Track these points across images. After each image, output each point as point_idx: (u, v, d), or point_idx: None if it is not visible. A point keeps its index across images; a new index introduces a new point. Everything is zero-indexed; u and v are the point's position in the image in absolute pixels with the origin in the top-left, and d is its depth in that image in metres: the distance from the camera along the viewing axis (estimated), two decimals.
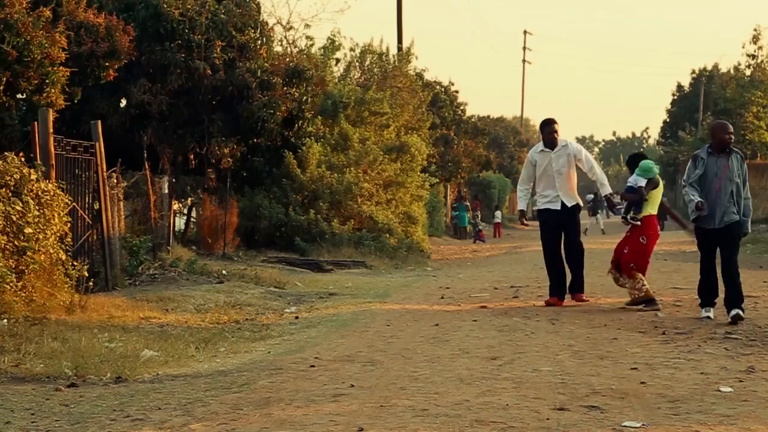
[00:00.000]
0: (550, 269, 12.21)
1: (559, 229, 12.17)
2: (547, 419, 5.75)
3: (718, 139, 10.16)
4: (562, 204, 12.05)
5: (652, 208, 11.52)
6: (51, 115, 12.38)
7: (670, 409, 6.07)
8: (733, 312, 9.91)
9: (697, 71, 60.49)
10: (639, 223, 11.41)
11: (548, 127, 12.19)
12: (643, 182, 11.42)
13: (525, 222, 12.95)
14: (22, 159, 10.85)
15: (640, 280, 11.31)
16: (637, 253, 11.39)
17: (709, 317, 10.19)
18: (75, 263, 11.27)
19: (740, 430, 5.51)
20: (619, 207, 12.37)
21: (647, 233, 11.44)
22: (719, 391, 6.61)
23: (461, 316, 11.16)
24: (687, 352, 8.27)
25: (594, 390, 6.62)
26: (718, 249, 10.23)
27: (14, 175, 10.40)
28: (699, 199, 9.99)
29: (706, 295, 10.37)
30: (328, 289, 15.53)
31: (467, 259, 26.68)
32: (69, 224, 11.40)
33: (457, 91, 42.49)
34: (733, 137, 10.17)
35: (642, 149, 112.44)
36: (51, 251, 10.65)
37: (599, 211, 44.21)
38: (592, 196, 48.16)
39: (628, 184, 11.62)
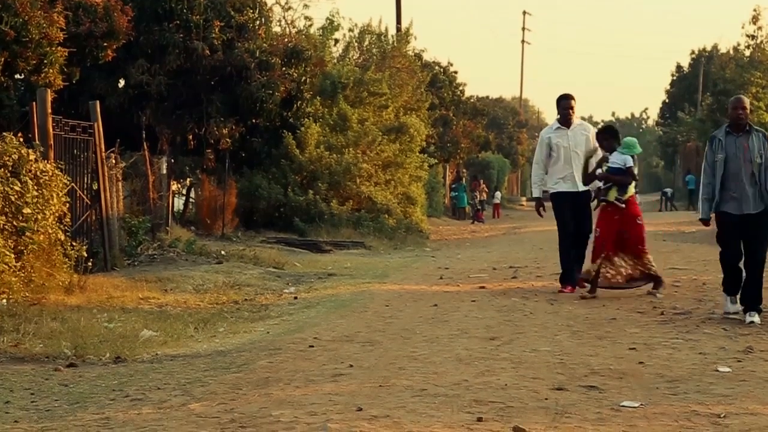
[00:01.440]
0: (564, 255, 11.51)
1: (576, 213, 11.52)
2: (546, 399, 5.77)
3: (729, 115, 9.32)
4: (579, 186, 11.42)
5: (632, 187, 11.04)
6: (49, 96, 12.34)
7: (668, 389, 6.09)
8: (748, 319, 8.89)
9: (696, 52, 60.44)
10: (624, 205, 10.81)
11: (564, 101, 11.58)
12: (631, 162, 10.92)
13: (542, 212, 11.91)
14: (21, 139, 10.83)
15: (649, 260, 10.86)
16: (640, 234, 10.89)
17: (738, 311, 9.07)
18: (74, 243, 11.27)
19: (738, 410, 5.52)
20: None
21: (638, 212, 10.97)
22: (717, 371, 6.63)
23: (460, 296, 11.16)
24: (685, 333, 8.29)
25: (592, 370, 6.64)
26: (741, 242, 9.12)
27: (12, 156, 10.37)
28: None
29: (734, 289, 9.19)
30: (327, 269, 15.53)
31: (466, 239, 26.69)
32: (68, 204, 11.39)
33: (456, 72, 42.39)
34: (744, 111, 9.13)
35: (641, 130, 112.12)
36: (50, 231, 10.64)
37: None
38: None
39: (613, 165, 10.88)
